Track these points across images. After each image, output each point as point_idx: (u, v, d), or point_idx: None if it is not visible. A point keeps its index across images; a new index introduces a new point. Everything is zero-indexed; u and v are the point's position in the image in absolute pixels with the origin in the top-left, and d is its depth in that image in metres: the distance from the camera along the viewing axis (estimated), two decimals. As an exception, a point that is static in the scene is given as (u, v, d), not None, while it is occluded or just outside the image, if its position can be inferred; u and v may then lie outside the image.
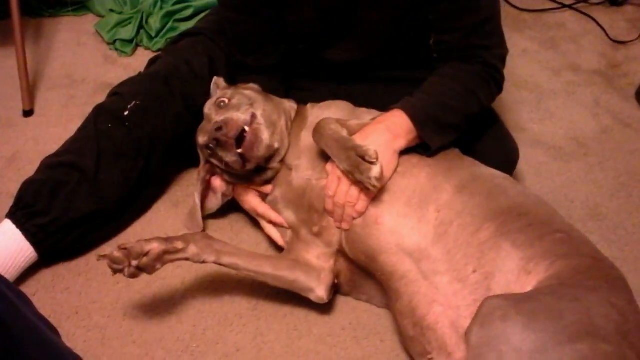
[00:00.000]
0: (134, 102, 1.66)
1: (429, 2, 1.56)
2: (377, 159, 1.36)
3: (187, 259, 1.41)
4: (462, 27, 1.58)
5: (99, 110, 1.69)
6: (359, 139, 1.43)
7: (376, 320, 1.55)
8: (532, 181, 1.95)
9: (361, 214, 1.45)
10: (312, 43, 1.72)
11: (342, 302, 1.59)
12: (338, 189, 1.45)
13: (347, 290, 1.59)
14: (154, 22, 2.34)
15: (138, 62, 2.28)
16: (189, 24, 2.35)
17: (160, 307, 1.55)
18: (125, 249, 1.35)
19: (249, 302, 1.57)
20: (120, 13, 2.40)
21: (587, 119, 2.22)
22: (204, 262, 1.42)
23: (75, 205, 1.57)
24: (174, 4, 2.40)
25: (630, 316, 1.16)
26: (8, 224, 1.54)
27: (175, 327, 1.51)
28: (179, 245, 1.39)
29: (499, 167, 1.58)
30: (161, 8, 2.40)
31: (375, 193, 1.42)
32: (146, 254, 1.36)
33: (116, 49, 2.33)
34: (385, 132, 1.47)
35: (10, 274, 1.49)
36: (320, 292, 1.49)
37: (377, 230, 1.41)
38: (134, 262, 1.35)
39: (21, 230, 1.52)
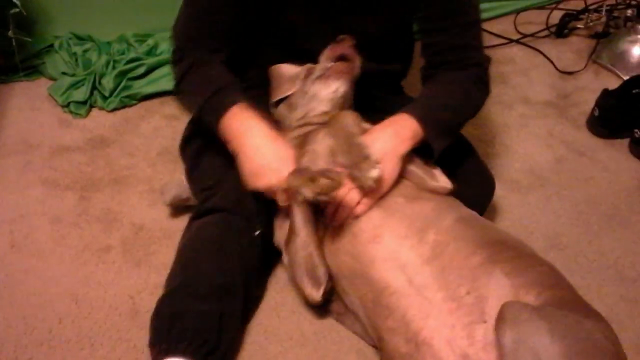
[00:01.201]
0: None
1: (420, 6, 1.67)
2: (378, 164, 1.42)
3: None
4: (453, 27, 1.68)
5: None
6: (366, 141, 1.49)
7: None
8: (492, 215, 1.97)
9: (357, 217, 1.48)
10: (299, 42, 1.75)
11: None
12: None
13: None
14: (107, 82, 2.34)
15: (93, 123, 2.28)
16: (142, 82, 2.37)
17: (126, 370, 1.53)
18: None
19: None
20: (73, 75, 2.40)
21: (542, 150, 2.26)
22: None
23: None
24: (126, 63, 2.40)
25: (619, 350, 1.22)
26: None
27: (143, 390, 1.49)
28: None
29: (478, 196, 1.74)
30: (114, 67, 2.40)
31: (375, 198, 1.47)
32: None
33: (70, 112, 2.32)
34: (393, 137, 1.53)
35: None
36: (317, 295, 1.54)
37: (373, 247, 1.44)
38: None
39: None
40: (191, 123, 1.84)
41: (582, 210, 2.02)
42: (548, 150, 2.25)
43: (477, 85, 1.72)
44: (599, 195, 2.08)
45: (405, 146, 1.53)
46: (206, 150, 1.73)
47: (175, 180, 1.82)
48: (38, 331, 1.60)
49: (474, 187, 1.73)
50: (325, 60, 1.68)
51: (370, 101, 1.78)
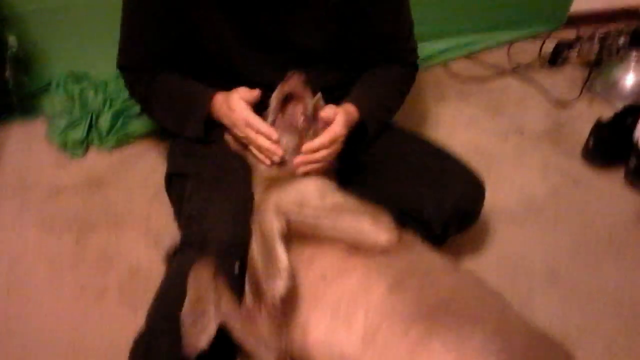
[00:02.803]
0: None
1: (356, 17, 1.76)
2: (287, 278, 1.33)
3: None
4: (393, 35, 1.85)
5: None
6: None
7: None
8: (488, 247, 1.97)
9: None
10: (238, 66, 1.80)
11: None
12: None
13: None
14: (104, 121, 2.35)
15: (90, 162, 2.29)
16: (139, 121, 2.38)
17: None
18: None
19: None
20: (70, 114, 2.41)
21: (538, 180, 2.26)
22: None
23: None
24: (123, 102, 2.41)
25: None
26: None
27: None
28: None
29: (469, 196, 1.74)
30: (111, 106, 2.41)
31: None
32: None
33: (68, 151, 2.33)
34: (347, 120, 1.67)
35: None
36: None
37: (310, 349, 1.37)
38: None
39: None
40: (169, 159, 1.88)
41: (579, 240, 2.02)
42: (544, 181, 2.26)
43: (409, 81, 1.94)
44: (596, 225, 2.08)
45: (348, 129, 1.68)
46: (185, 188, 1.72)
47: (170, 231, 1.81)
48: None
49: (461, 189, 1.72)
50: (274, 102, 1.68)
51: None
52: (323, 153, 1.62)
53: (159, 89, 1.80)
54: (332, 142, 1.62)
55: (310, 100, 1.68)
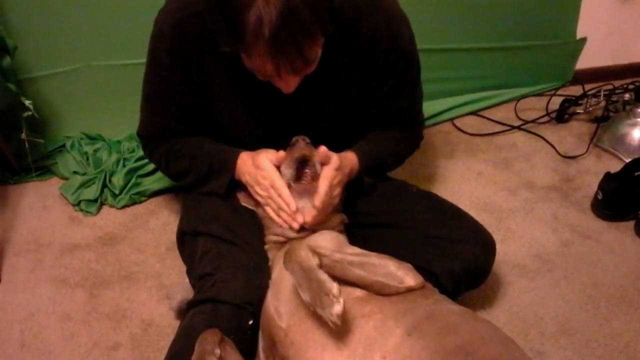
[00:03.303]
0: None
1: (372, 100, 1.83)
2: (339, 296, 1.31)
3: None
4: (400, 107, 1.89)
5: None
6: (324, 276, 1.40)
7: None
8: (500, 301, 1.97)
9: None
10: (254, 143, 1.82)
11: None
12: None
13: None
14: (117, 180, 2.39)
15: (103, 220, 2.31)
16: (151, 179, 2.42)
17: None
18: None
19: None
20: (84, 174, 2.45)
21: (548, 234, 2.27)
22: None
23: None
24: (135, 161, 2.45)
25: None
26: None
27: None
28: None
29: (480, 257, 1.74)
30: (124, 165, 2.45)
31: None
32: None
33: (81, 210, 2.36)
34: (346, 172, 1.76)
35: None
36: None
37: None
38: None
39: None
40: (182, 217, 1.90)
41: (590, 294, 2.02)
42: (554, 235, 2.27)
43: (411, 147, 2.02)
44: (607, 278, 2.08)
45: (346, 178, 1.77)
46: (198, 243, 1.74)
47: (181, 284, 1.83)
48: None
49: (471, 251, 1.73)
50: (288, 169, 1.68)
51: None
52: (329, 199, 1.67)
53: (180, 147, 1.84)
54: (331, 184, 1.66)
55: (317, 161, 1.69)
